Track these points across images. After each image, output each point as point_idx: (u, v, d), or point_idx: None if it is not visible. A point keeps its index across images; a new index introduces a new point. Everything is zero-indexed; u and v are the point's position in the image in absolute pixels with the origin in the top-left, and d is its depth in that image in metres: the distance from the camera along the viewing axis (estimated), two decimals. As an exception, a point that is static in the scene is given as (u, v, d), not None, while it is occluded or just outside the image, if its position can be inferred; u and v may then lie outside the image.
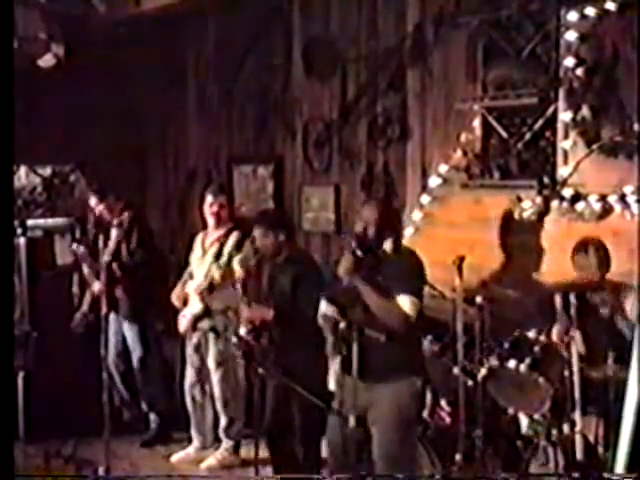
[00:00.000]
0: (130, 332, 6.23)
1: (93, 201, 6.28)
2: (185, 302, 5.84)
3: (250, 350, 4.82)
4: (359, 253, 4.10)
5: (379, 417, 4.13)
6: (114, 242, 6.08)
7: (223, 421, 5.83)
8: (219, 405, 5.82)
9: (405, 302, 4.06)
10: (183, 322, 5.83)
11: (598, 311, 4.61)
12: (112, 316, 6.18)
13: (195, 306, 5.76)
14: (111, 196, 6.24)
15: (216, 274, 5.65)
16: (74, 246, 6.20)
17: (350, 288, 4.12)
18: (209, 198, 5.77)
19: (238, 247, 5.65)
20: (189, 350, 5.89)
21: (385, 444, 4.13)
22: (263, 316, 4.92)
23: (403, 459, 4.17)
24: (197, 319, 5.77)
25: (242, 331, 4.91)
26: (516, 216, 5.24)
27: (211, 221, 5.79)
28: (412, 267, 4.24)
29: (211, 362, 5.79)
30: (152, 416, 6.33)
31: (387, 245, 4.24)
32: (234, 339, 4.91)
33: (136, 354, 6.23)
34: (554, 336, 4.53)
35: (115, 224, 6.14)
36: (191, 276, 5.88)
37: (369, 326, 4.06)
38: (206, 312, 5.73)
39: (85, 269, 6.19)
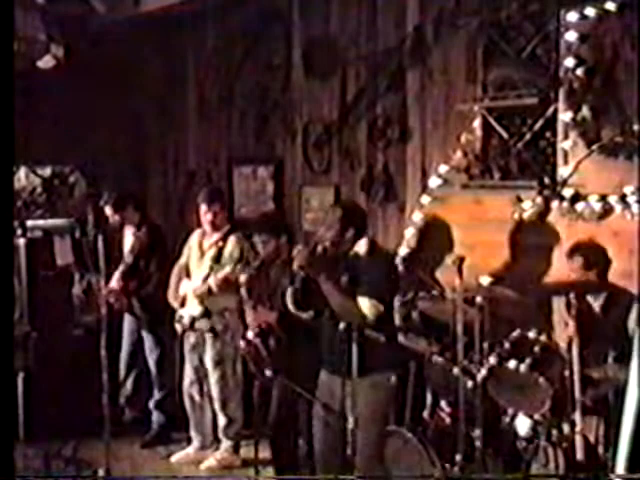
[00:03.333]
0: (148, 337, 6.28)
1: (109, 210, 6.29)
2: (183, 302, 5.85)
3: (258, 353, 4.82)
4: (319, 248, 4.19)
5: (354, 411, 4.13)
6: (132, 257, 6.12)
7: (222, 421, 5.83)
8: (217, 405, 5.83)
9: (365, 304, 4.13)
10: (181, 322, 5.83)
11: (598, 311, 4.61)
12: (128, 316, 6.24)
13: (194, 308, 5.76)
14: (130, 207, 6.26)
15: (214, 283, 5.64)
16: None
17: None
18: (202, 207, 5.76)
19: (237, 252, 5.64)
20: (187, 350, 5.89)
21: (360, 439, 4.13)
22: (267, 319, 4.93)
23: (379, 455, 4.26)
24: (195, 319, 5.77)
25: (250, 334, 4.92)
26: (516, 216, 5.24)
27: (207, 227, 5.79)
28: (381, 271, 4.28)
29: (209, 362, 5.79)
30: (156, 416, 6.34)
31: (362, 248, 4.29)
32: (242, 343, 4.90)
33: (153, 356, 6.28)
34: (560, 339, 4.53)
35: (130, 231, 6.20)
36: (188, 275, 5.88)
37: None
38: (205, 313, 5.74)
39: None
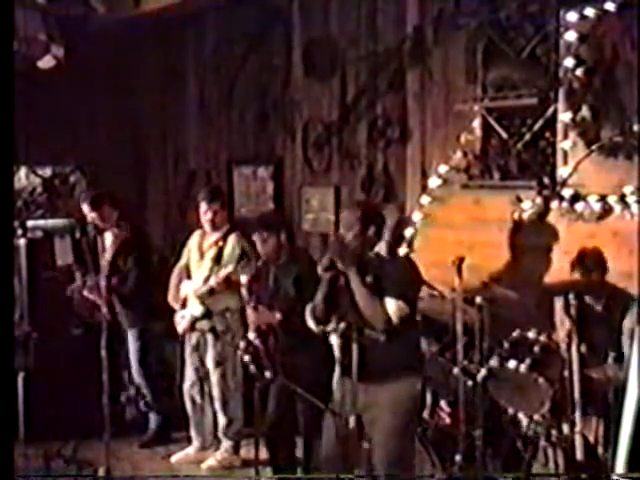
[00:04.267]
0: (130, 335, 6.26)
1: (86, 208, 6.23)
2: (184, 304, 5.84)
3: (258, 354, 4.81)
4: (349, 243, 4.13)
5: (377, 419, 4.13)
6: (110, 254, 6.11)
7: (222, 421, 5.83)
8: (218, 405, 5.83)
9: (391, 305, 4.06)
10: (182, 323, 5.83)
11: (598, 311, 4.61)
12: None
13: (195, 308, 5.75)
14: (106, 206, 6.20)
15: (215, 283, 5.62)
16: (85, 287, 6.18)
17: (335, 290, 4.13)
18: (202, 205, 5.74)
19: (237, 250, 5.63)
20: (188, 351, 5.89)
21: (384, 446, 4.12)
22: (269, 320, 4.92)
23: (402, 462, 4.17)
24: (196, 319, 5.77)
25: (251, 335, 4.91)
26: (516, 217, 5.24)
27: (207, 227, 5.79)
28: (405, 273, 4.24)
29: (210, 362, 5.79)
30: (152, 416, 6.34)
31: (382, 249, 4.29)
32: (242, 344, 4.89)
33: (135, 355, 6.25)
34: (560, 339, 4.53)
35: (110, 232, 6.19)
36: (188, 276, 5.88)
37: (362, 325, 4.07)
38: (206, 313, 5.73)
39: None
